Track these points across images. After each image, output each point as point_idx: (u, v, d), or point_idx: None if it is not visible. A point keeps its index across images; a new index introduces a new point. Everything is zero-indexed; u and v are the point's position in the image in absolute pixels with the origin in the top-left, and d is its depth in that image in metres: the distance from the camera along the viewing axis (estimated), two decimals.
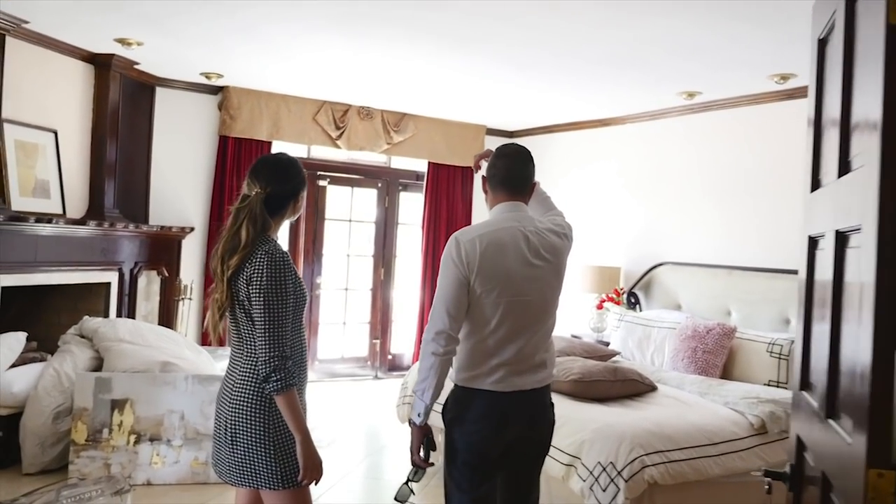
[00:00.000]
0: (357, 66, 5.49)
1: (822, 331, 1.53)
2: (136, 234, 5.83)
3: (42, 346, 4.97)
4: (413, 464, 2.42)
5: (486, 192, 2.53)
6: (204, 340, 6.28)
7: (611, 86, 5.58)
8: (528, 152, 2.51)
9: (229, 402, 2.25)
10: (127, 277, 5.78)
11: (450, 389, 2.46)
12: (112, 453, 4.11)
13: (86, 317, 4.83)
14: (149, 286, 6.11)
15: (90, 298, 5.53)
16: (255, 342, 2.21)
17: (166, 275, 6.23)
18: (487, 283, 2.29)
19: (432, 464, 2.44)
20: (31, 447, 4.16)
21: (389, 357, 7.74)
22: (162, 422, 4.20)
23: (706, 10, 3.79)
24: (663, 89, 5.55)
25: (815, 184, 1.72)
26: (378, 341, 7.67)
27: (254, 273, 2.18)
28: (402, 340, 7.78)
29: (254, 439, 2.20)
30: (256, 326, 2.18)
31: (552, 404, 2.53)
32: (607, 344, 5.71)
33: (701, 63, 4.76)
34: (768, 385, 4.44)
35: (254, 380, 2.22)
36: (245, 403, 2.22)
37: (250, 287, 2.18)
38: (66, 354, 4.48)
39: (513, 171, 2.46)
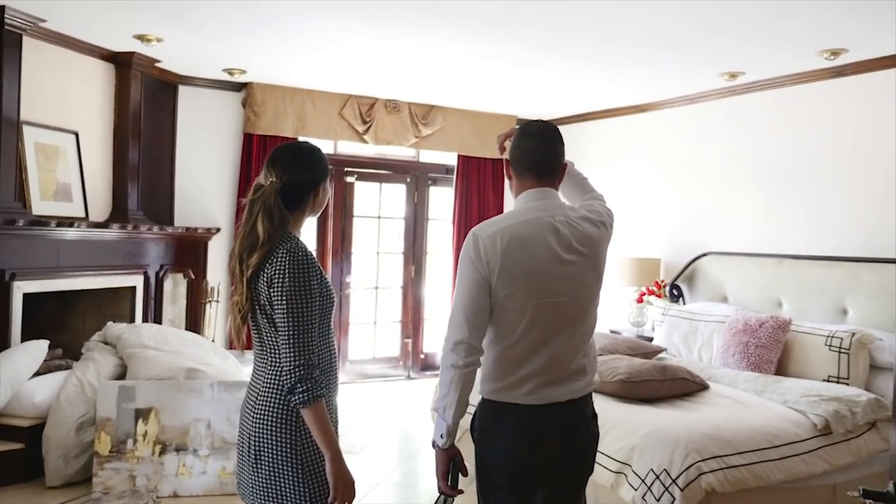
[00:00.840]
0: (383, 58, 5.30)
1: None
2: (161, 237, 5.71)
3: (68, 352, 4.85)
4: (440, 491, 2.14)
5: (510, 177, 2.23)
6: (231, 344, 6.14)
7: (647, 69, 5.30)
8: (556, 129, 2.20)
9: (252, 417, 2.05)
10: (153, 281, 5.67)
11: (478, 402, 2.19)
12: (137, 464, 3.95)
13: (109, 323, 4.71)
14: (175, 289, 5.99)
15: (116, 303, 5.43)
16: (278, 349, 1.99)
17: (193, 277, 6.10)
18: (511, 285, 2.03)
19: (461, 491, 2.15)
20: (55, 459, 4.02)
21: (422, 356, 7.55)
22: (188, 431, 4.04)
23: None
24: (703, 70, 5.26)
25: None
26: (410, 340, 7.49)
27: (275, 274, 1.96)
28: (435, 339, 7.57)
29: (279, 457, 1.99)
30: (280, 332, 1.96)
31: (595, 416, 2.25)
32: (649, 339, 5.45)
33: (744, 40, 4.48)
34: (828, 381, 4.14)
35: (278, 391, 2.01)
36: (269, 417, 2.01)
37: (272, 290, 1.97)
38: (90, 362, 4.35)
39: (539, 152, 2.17)
